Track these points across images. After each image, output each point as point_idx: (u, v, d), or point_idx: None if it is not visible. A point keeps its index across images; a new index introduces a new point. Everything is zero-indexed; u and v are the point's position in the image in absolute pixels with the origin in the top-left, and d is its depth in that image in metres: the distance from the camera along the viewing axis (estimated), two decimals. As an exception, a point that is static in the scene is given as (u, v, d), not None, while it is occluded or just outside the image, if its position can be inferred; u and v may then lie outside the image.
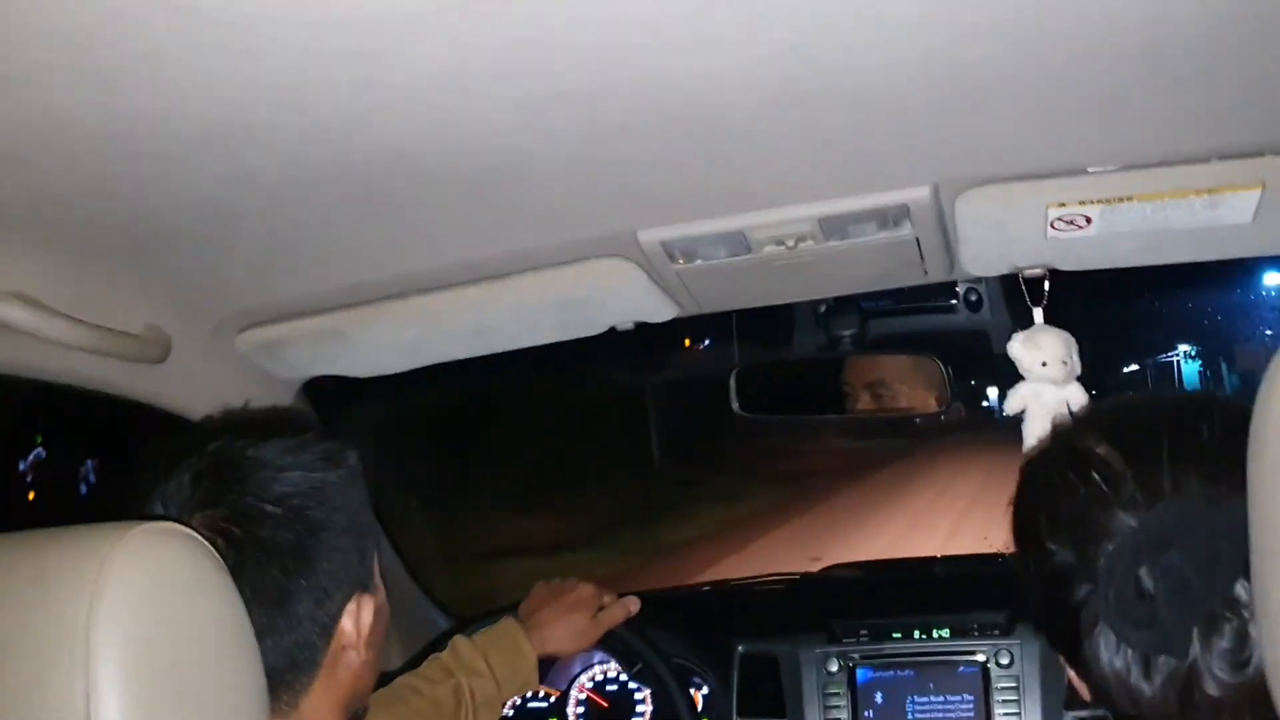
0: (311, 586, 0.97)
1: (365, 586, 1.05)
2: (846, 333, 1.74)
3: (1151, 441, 0.83)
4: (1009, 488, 0.97)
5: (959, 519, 10.83)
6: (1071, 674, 0.91)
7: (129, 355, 1.24)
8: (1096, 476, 0.83)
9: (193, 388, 1.44)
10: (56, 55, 0.74)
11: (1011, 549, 0.95)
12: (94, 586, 0.66)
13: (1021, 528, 0.93)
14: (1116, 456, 0.84)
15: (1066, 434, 0.93)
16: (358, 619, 1.02)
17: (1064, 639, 0.87)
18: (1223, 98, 1.01)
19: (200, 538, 0.73)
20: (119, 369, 1.28)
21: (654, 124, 0.98)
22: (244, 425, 1.08)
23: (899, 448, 18.58)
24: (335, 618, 1.00)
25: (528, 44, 0.80)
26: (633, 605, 1.66)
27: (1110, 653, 0.82)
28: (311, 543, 0.98)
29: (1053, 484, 0.88)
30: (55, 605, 0.66)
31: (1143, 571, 0.77)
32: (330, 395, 1.80)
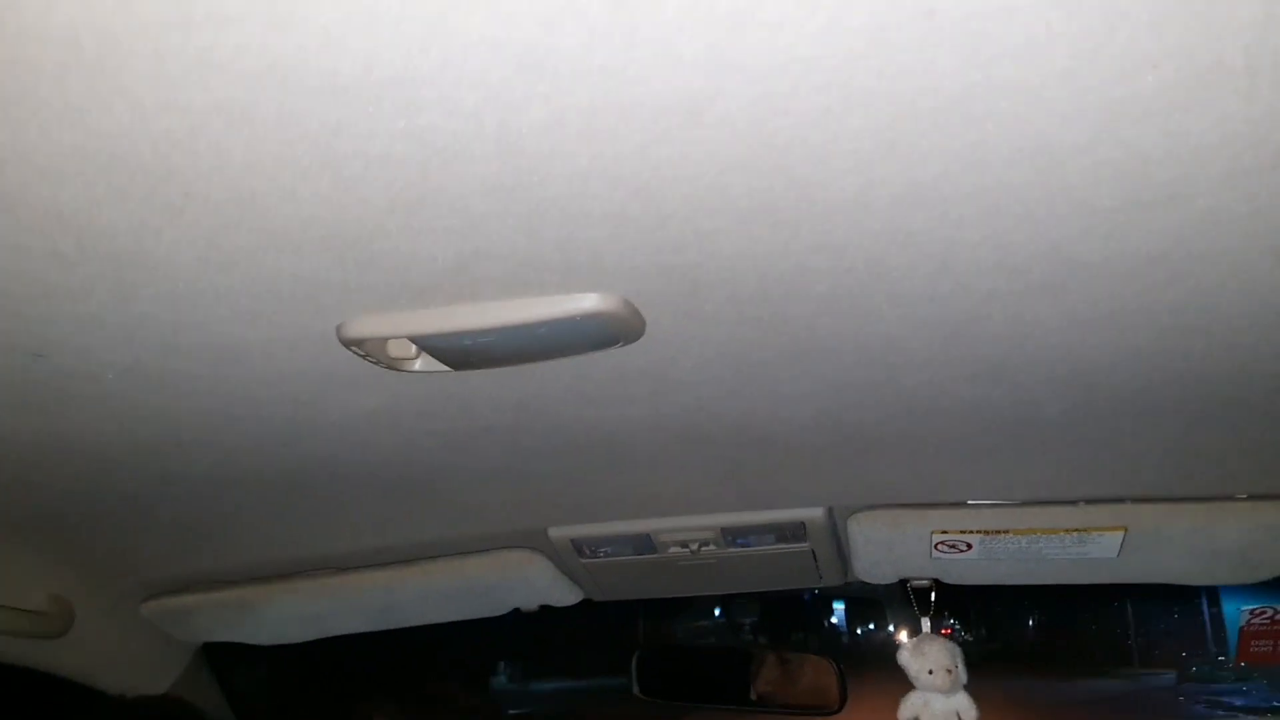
0: None
1: None
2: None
3: None
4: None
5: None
6: None
7: (34, 632, 1.22)
8: None
9: (91, 653, 1.41)
10: (7, 393, 0.79)
11: None
12: None
13: None
14: None
15: None
16: None
17: None
18: (1088, 454, 1.12)
19: None
20: (20, 640, 1.26)
21: (569, 451, 1.05)
22: None
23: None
24: None
25: (455, 395, 0.87)
26: None
27: None
28: None
29: None
30: None
31: None
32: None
